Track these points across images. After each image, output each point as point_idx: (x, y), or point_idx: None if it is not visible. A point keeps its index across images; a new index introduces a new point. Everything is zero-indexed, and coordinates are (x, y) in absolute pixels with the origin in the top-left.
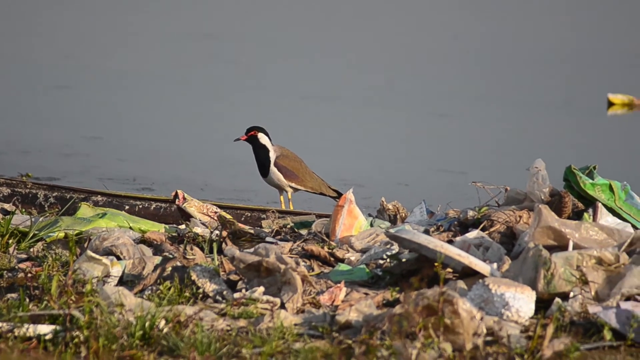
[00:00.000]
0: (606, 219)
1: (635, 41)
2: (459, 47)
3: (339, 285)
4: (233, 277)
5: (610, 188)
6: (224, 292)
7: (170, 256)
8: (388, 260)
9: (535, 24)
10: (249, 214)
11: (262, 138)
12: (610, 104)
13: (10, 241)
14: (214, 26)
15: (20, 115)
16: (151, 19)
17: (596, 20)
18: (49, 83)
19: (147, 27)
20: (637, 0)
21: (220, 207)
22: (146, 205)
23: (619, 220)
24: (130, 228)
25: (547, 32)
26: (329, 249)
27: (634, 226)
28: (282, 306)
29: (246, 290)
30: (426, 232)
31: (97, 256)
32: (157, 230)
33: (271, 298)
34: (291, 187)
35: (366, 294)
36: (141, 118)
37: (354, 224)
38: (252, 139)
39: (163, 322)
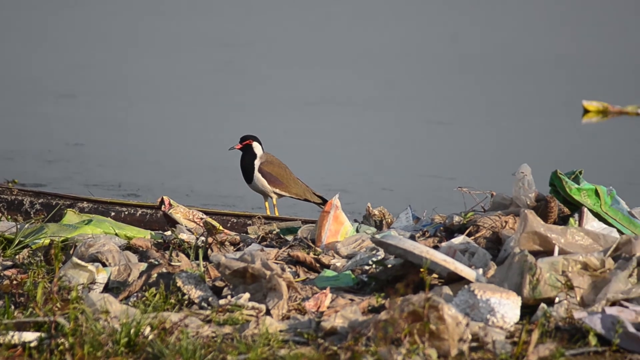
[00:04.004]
0: (592, 224)
1: (615, 49)
2: (450, 54)
3: (324, 291)
4: (219, 283)
5: (596, 193)
6: (210, 299)
7: (156, 263)
8: (374, 266)
9: (522, 31)
10: (235, 220)
11: (256, 147)
12: (585, 111)
13: None
14: (202, 34)
15: (4, 122)
16: (141, 24)
17: (577, 29)
18: (35, 90)
19: (135, 32)
20: (615, 11)
21: (206, 213)
22: (132, 211)
23: (604, 225)
24: (116, 234)
25: (534, 40)
26: (314, 255)
27: (619, 231)
28: (268, 312)
29: (232, 296)
30: (412, 237)
31: (83, 263)
32: (142, 236)
33: (257, 304)
34: (275, 193)
35: (352, 300)
36: (126, 124)
37: (339, 230)
38: (246, 148)
39: (148, 329)
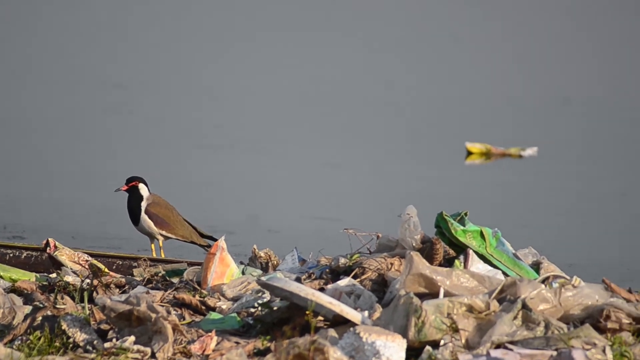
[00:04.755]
0: (477, 266)
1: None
2: (341, 95)
3: (210, 334)
4: (104, 326)
5: (482, 235)
6: (95, 342)
7: (41, 305)
8: (259, 308)
9: (412, 73)
10: (121, 262)
11: (142, 189)
12: (469, 153)
13: None
14: (92, 73)
15: None
16: (41, 62)
17: (459, 69)
18: None
19: (24, 69)
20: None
21: (92, 255)
22: (17, 253)
23: (489, 267)
24: (1, 277)
25: (421, 80)
26: (200, 297)
27: (504, 273)
28: (153, 355)
29: (117, 339)
30: (298, 279)
31: None
32: (27, 279)
33: (142, 347)
34: (162, 235)
35: (237, 342)
36: (11, 165)
37: (225, 272)
38: (132, 190)
39: None
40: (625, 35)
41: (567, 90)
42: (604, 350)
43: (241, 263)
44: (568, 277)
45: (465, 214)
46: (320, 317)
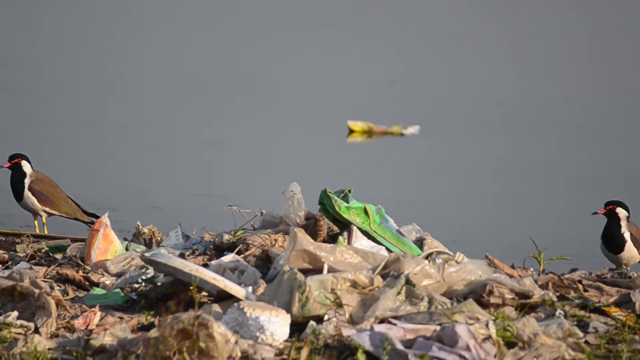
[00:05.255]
0: (361, 242)
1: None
2: (234, 76)
3: (93, 309)
4: None
5: (365, 211)
6: None
7: None
8: (143, 284)
9: (296, 54)
10: (3, 239)
11: (25, 166)
12: (351, 131)
13: None
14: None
15: None
16: None
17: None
18: None
19: None
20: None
21: None
22: None
23: (373, 244)
24: None
25: (304, 61)
26: (84, 273)
27: (388, 249)
28: (37, 331)
29: (0, 314)
30: (182, 255)
31: None
32: None
33: (25, 322)
34: (45, 211)
35: (121, 318)
36: None
37: (109, 248)
38: (15, 166)
39: None
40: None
41: (445, 72)
42: (487, 325)
43: (125, 239)
44: (451, 253)
45: (349, 191)
46: (204, 293)
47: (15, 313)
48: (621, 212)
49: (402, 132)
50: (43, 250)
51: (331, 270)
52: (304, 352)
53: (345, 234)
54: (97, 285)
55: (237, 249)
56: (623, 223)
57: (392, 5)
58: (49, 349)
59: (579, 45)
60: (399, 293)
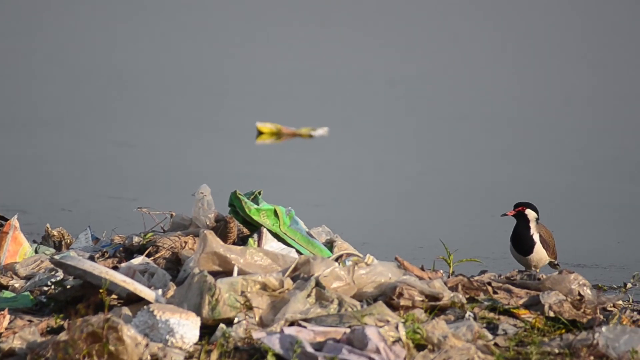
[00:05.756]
0: (271, 244)
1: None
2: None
3: (2, 312)
4: None
5: (275, 213)
6: None
7: None
8: (53, 287)
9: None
10: None
11: None
12: (260, 133)
13: None
14: None
15: None
16: None
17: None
18: None
19: None
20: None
21: None
22: None
23: (283, 246)
24: None
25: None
26: None
27: (298, 251)
28: None
29: None
30: (91, 258)
31: None
32: None
33: None
34: None
35: (30, 321)
36: None
37: (18, 251)
38: None
39: None
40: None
41: (359, 69)
42: (396, 327)
43: (34, 242)
44: (361, 255)
45: (259, 193)
46: (114, 296)
47: None
48: (530, 213)
49: (311, 134)
50: None
51: (241, 272)
52: (214, 355)
53: (256, 236)
54: (6, 288)
55: (147, 252)
56: (532, 225)
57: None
58: None
59: (504, 55)
60: (309, 295)
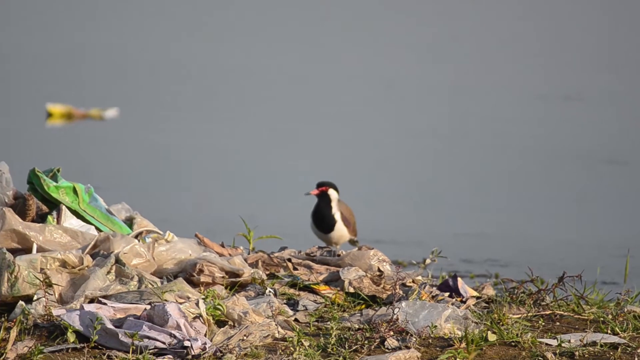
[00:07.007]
0: (70, 221)
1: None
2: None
3: None
4: None
5: (74, 190)
6: None
7: None
8: None
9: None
10: None
11: None
12: (50, 115)
13: None
14: None
15: None
16: None
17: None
18: None
19: None
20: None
21: None
22: None
23: (83, 223)
24: None
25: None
26: None
27: (98, 229)
28: None
29: None
30: None
31: None
32: None
33: None
34: None
35: None
36: None
37: None
38: None
39: None
40: None
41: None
42: (197, 304)
43: None
44: (161, 232)
45: (58, 170)
46: None
47: None
48: (332, 193)
49: (101, 116)
50: None
51: (40, 250)
52: (13, 332)
53: (55, 213)
54: None
55: None
56: (334, 204)
57: None
58: None
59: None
60: (108, 272)
